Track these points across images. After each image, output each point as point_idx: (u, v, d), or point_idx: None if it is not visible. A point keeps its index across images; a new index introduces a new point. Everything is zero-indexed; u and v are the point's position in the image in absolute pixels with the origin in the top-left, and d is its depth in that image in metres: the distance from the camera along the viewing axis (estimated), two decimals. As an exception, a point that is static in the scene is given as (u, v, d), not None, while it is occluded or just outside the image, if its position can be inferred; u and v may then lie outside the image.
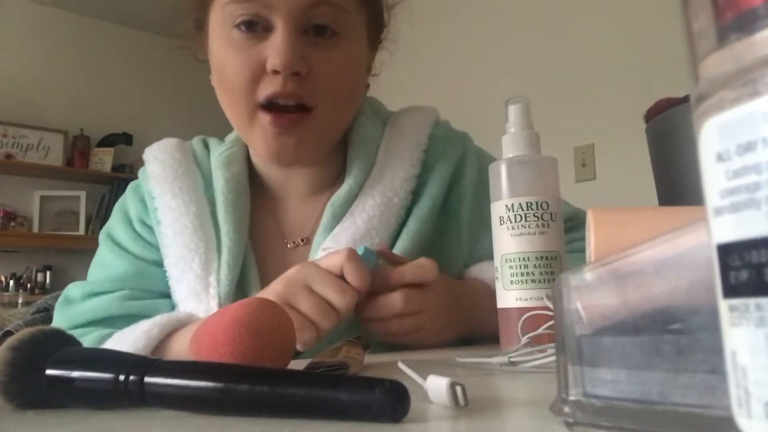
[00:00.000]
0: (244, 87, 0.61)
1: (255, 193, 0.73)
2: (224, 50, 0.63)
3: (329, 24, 0.61)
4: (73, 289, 0.70)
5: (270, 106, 0.62)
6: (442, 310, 0.59)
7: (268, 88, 0.60)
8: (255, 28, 0.61)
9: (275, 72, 0.59)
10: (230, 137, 0.77)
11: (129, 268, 0.69)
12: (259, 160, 0.74)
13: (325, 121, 0.64)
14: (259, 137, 0.64)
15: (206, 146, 0.77)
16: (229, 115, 0.66)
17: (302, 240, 0.71)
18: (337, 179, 0.72)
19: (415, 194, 0.70)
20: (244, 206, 0.71)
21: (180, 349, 0.59)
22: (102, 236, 0.73)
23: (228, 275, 0.64)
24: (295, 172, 0.72)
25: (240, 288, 0.66)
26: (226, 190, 0.70)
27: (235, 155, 0.73)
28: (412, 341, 0.59)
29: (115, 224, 0.73)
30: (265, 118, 0.62)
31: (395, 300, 0.56)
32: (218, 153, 0.74)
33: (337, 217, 0.67)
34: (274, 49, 0.59)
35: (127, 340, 0.59)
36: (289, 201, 0.74)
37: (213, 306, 0.63)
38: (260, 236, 0.71)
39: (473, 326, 0.63)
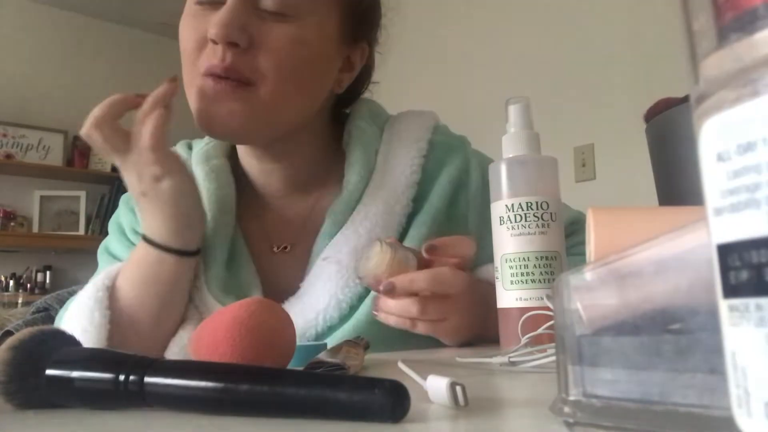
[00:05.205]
0: (191, 55, 0.61)
1: (241, 191, 0.72)
2: (182, 21, 0.63)
3: (278, 5, 0.60)
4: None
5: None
6: (465, 308, 0.57)
7: (209, 59, 0.60)
8: (213, 1, 0.61)
9: (214, 42, 0.59)
10: None
11: None
12: (242, 151, 0.73)
13: (266, 100, 0.60)
14: (192, 101, 0.62)
15: (190, 148, 0.77)
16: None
17: (286, 247, 0.70)
18: (325, 183, 0.71)
19: (416, 201, 0.69)
20: (227, 197, 0.70)
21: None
22: (100, 251, 0.74)
23: (218, 273, 0.65)
24: (269, 166, 0.71)
25: (235, 285, 0.66)
26: (207, 181, 0.69)
27: (213, 149, 0.73)
28: (430, 331, 0.57)
29: (111, 238, 0.74)
30: (205, 82, 0.60)
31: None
32: (197, 149, 0.74)
33: (338, 225, 0.66)
34: (215, 17, 0.59)
35: (82, 311, 0.59)
36: (273, 201, 0.73)
37: (210, 304, 0.63)
38: (246, 235, 0.71)
39: (487, 329, 0.63)
